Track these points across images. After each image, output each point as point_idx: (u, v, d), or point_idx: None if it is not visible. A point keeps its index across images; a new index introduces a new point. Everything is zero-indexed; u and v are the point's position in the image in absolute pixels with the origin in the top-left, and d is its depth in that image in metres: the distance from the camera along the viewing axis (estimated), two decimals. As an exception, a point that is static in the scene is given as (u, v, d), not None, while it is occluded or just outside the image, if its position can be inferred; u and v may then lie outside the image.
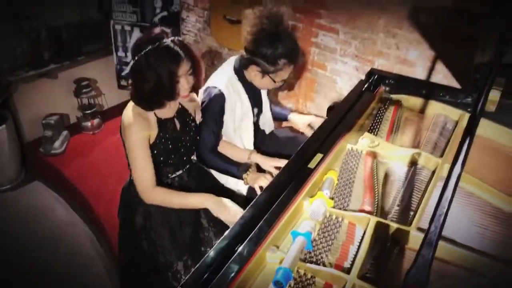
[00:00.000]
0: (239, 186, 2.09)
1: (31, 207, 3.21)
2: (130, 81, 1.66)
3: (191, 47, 1.67)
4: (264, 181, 1.86)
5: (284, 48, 1.86)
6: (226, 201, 1.68)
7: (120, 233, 1.97)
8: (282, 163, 1.95)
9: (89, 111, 3.83)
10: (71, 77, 3.74)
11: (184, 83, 1.64)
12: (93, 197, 3.19)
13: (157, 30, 1.61)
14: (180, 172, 1.87)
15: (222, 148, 2.08)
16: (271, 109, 2.38)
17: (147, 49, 1.55)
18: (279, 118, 2.42)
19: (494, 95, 1.87)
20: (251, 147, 2.18)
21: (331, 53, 2.85)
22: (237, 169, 1.94)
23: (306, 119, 2.32)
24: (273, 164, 1.98)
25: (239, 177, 1.92)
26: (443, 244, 1.23)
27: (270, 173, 1.98)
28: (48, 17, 3.42)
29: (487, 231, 1.35)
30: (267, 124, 2.40)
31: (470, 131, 0.94)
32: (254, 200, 1.35)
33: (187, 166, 1.90)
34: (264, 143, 2.37)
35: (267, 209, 1.30)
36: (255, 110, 2.19)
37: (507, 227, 1.37)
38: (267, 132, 2.41)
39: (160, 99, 1.65)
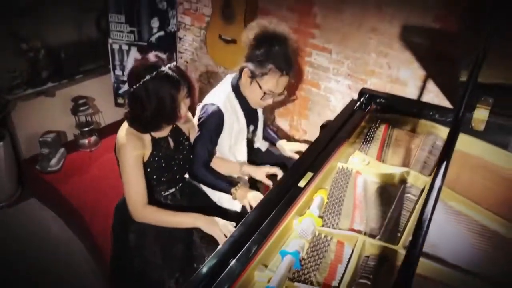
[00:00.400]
0: (232, 203, 2.11)
1: (27, 224, 3.21)
2: (126, 106, 1.68)
3: (185, 71, 1.70)
4: (252, 197, 1.86)
5: (274, 53, 1.88)
6: (217, 219, 1.69)
7: (113, 250, 1.98)
8: (273, 170, 1.96)
9: (86, 129, 3.85)
10: (69, 95, 3.77)
11: (183, 107, 1.68)
12: (89, 214, 3.19)
13: (152, 57, 1.64)
14: (173, 190, 1.89)
15: (214, 163, 2.10)
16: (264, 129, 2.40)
17: (145, 78, 1.58)
18: (269, 140, 2.43)
19: (483, 114, 1.91)
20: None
21: (324, 72, 2.89)
22: (227, 185, 1.94)
23: (293, 147, 2.34)
24: (265, 172, 1.98)
25: (228, 192, 1.93)
26: (431, 263, 1.25)
27: (262, 183, 1.99)
28: (46, 37, 3.47)
29: (474, 249, 1.36)
30: (262, 142, 2.42)
31: (448, 148, 0.97)
32: (243, 219, 1.37)
33: (180, 184, 1.92)
34: (260, 160, 2.39)
35: (256, 228, 1.32)
36: (251, 127, 2.21)
37: (494, 245, 1.39)
38: (263, 149, 2.44)
39: (160, 123, 1.68)
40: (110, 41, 3.49)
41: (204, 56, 3.76)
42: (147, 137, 1.72)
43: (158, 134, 1.76)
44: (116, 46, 3.51)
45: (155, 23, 3.35)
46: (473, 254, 1.35)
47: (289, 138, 3.35)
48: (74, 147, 3.92)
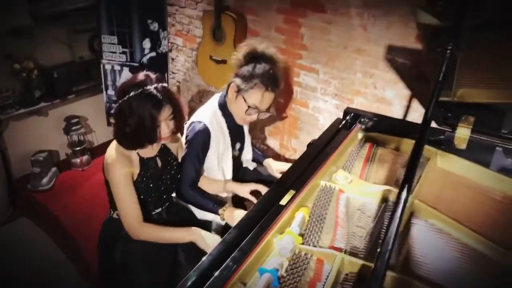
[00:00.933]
0: (217, 219, 2.12)
1: (18, 243, 3.20)
2: (113, 122, 1.72)
3: (174, 93, 1.74)
4: (240, 217, 1.87)
5: (260, 69, 1.94)
6: (212, 235, 1.72)
7: (99, 267, 1.98)
8: (257, 187, 1.99)
9: (78, 148, 3.87)
10: (61, 115, 3.81)
11: (164, 128, 1.70)
12: (80, 233, 3.18)
13: (141, 76, 1.68)
14: (159, 209, 1.90)
15: (200, 180, 2.12)
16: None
17: (130, 94, 1.62)
18: (256, 159, 2.46)
19: (464, 133, 1.94)
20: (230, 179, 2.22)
21: (312, 92, 2.94)
22: (214, 205, 1.96)
23: (279, 167, 2.36)
24: (248, 189, 2.01)
25: (216, 212, 1.95)
26: (412, 280, 1.26)
27: (250, 201, 2.02)
28: (39, 57, 3.52)
29: (455, 267, 1.37)
30: (250, 161, 2.45)
31: (413, 163, 0.99)
32: (223, 238, 1.38)
33: (167, 204, 1.94)
34: (247, 179, 2.41)
35: (236, 246, 1.33)
36: (237, 145, 2.24)
37: (476, 263, 1.39)
38: (250, 168, 2.46)
39: (141, 141, 1.71)
40: (102, 61, 3.54)
41: (196, 76, 3.81)
42: (135, 157, 1.75)
43: (146, 154, 1.79)
44: (108, 67, 3.56)
45: (146, 44, 3.41)
46: (453, 271, 1.36)
47: (279, 157, 3.38)
48: (67, 166, 3.94)
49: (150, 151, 1.80)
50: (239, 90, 1.98)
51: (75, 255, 3.06)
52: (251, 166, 2.45)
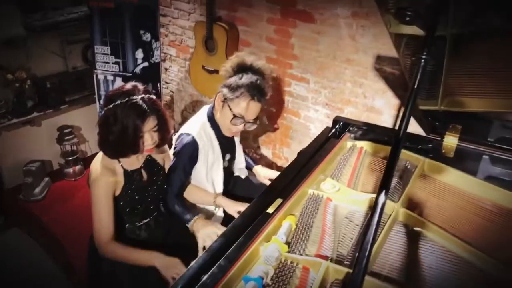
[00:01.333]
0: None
1: (10, 254, 3.17)
2: (97, 129, 1.72)
3: (160, 106, 1.75)
4: (205, 235, 1.85)
5: (247, 79, 1.96)
6: (177, 261, 1.69)
7: (88, 279, 1.97)
8: (246, 207, 1.98)
9: (71, 158, 3.87)
10: (54, 125, 3.81)
11: (148, 139, 1.70)
12: (72, 243, 3.17)
13: (129, 85, 1.70)
14: (147, 220, 1.90)
15: (189, 192, 2.12)
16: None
17: (116, 103, 1.63)
18: (246, 166, 2.47)
19: (452, 141, 1.96)
20: (221, 191, 2.22)
21: (303, 101, 2.96)
22: (189, 216, 1.94)
23: (267, 174, 2.38)
24: (237, 209, 2.00)
25: (187, 224, 1.93)
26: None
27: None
28: (32, 68, 3.54)
29: (438, 273, 1.38)
30: (242, 170, 2.45)
31: (389, 169, 1.01)
32: (209, 246, 1.38)
33: (155, 214, 1.93)
34: (238, 188, 2.42)
35: (221, 254, 1.34)
36: (227, 156, 2.25)
37: (459, 270, 1.40)
38: (242, 177, 2.47)
39: (124, 150, 1.71)
40: (95, 71, 3.56)
41: (189, 86, 3.84)
42: (119, 170, 1.75)
43: (131, 166, 1.79)
44: (101, 77, 3.57)
45: (139, 54, 3.43)
46: (439, 279, 1.37)
47: (272, 166, 3.39)
48: (59, 176, 3.93)
49: (135, 163, 1.80)
50: (225, 100, 1.99)
51: (66, 265, 3.05)
52: (243, 174, 2.46)
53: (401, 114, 2.45)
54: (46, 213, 3.48)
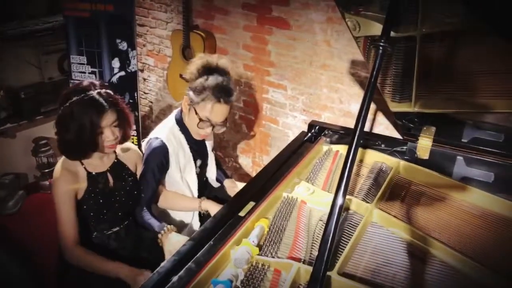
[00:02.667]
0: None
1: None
2: (54, 130, 1.68)
3: (119, 100, 1.71)
4: (171, 245, 1.78)
5: (211, 81, 1.93)
6: (146, 274, 1.62)
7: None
8: None
9: (47, 170, 3.79)
10: (29, 136, 3.73)
11: (109, 135, 1.66)
12: (47, 256, 3.07)
13: (85, 82, 1.66)
14: (117, 228, 1.84)
15: (171, 200, 2.07)
16: None
17: (72, 100, 1.59)
18: (217, 179, 2.41)
19: (426, 143, 1.97)
20: (197, 195, 2.18)
21: (281, 108, 2.96)
22: (158, 226, 1.86)
23: (237, 189, 2.32)
24: None
25: (156, 234, 1.85)
26: None
27: None
28: (7, 79, 3.47)
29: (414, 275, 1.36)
30: (214, 181, 2.40)
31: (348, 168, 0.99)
32: (177, 250, 1.34)
33: (125, 223, 1.87)
34: (214, 195, 2.37)
35: (190, 258, 1.30)
36: (198, 161, 2.20)
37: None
38: (215, 186, 2.42)
39: (83, 149, 1.66)
40: (72, 81, 3.50)
41: (167, 96, 3.81)
42: (82, 172, 1.70)
43: (95, 169, 1.74)
44: (77, 87, 3.52)
45: (116, 63, 3.39)
46: (414, 278, 1.35)
47: (252, 174, 3.36)
48: (35, 188, 3.84)
49: (99, 166, 1.75)
50: (191, 103, 1.97)
51: (42, 279, 2.95)
52: (215, 184, 2.41)
53: (377, 118, 2.47)
54: (21, 227, 3.38)
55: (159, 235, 1.82)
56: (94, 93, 1.62)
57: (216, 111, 1.95)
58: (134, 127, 1.81)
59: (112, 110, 1.64)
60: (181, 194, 2.12)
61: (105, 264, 1.65)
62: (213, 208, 2.02)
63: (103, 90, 1.66)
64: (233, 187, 2.33)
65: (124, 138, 1.78)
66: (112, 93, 1.70)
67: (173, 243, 1.78)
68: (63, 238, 1.67)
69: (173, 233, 1.84)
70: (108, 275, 1.66)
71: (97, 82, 1.68)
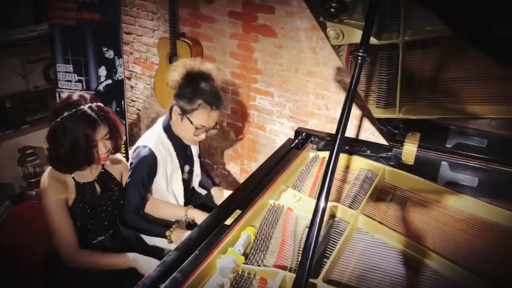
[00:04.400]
0: (170, 247, 2.05)
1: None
2: (46, 145, 1.67)
3: (110, 112, 1.71)
4: None
5: (201, 89, 1.93)
6: (150, 259, 1.66)
7: None
8: None
9: (34, 180, 3.74)
10: (16, 146, 3.69)
11: (101, 147, 1.66)
12: (31, 266, 3.03)
13: (75, 96, 1.66)
14: (102, 237, 1.83)
15: (157, 207, 2.06)
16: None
17: (63, 115, 1.58)
18: (204, 187, 2.41)
19: (411, 149, 1.99)
20: (183, 204, 2.17)
21: (268, 115, 2.97)
22: (161, 228, 1.89)
23: (223, 198, 2.33)
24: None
25: (163, 236, 1.88)
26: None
27: None
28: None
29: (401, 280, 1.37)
30: (198, 177, 2.39)
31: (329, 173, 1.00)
32: (162, 260, 1.33)
33: (110, 231, 1.86)
34: (201, 202, 2.36)
35: (176, 267, 1.29)
36: (186, 167, 2.20)
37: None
38: (202, 193, 2.41)
39: (78, 162, 1.66)
40: (58, 90, 3.48)
41: (155, 103, 3.80)
42: (70, 182, 1.69)
43: (83, 179, 1.74)
44: (64, 95, 3.48)
45: (102, 71, 3.38)
46: (396, 283, 1.36)
47: (241, 182, 3.35)
48: (22, 198, 3.79)
49: (88, 176, 1.75)
50: (183, 113, 1.96)
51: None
52: (202, 191, 2.41)
53: (363, 124, 2.49)
54: (6, 238, 3.32)
55: (168, 234, 1.86)
56: (85, 107, 1.61)
57: (211, 117, 1.98)
58: (124, 137, 1.81)
59: (104, 124, 1.65)
60: (167, 202, 2.11)
61: (112, 258, 1.68)
62: (199, 216, 2.02)
63: (94, 104, 1.66)
64: (220, 196, 2.33)
65: (115, 150, 1.77)
66: (102, 105, 1.70)
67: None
68: (63, 245, 1.66)
69: (182, 229, 1.90)
70: (121, 267, 1.68)
71: (87, 96, 1.68)
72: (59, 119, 1.59)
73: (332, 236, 1.56)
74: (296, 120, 2.81)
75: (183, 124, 1.99)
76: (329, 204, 1.71)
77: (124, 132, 1.81)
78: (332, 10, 1.28)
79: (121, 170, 1.94)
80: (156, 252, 2.07)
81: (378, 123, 2.02)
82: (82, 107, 1.61)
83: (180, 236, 1.86)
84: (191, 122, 1.96)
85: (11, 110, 3.49)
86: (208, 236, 1.44)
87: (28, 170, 3.73)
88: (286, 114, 2.85)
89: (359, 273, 1.38)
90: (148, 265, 1.63)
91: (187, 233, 1.85)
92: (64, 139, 1.58)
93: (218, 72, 2.07)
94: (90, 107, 1.63)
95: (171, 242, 1.88)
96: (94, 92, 3.38)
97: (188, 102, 1.93)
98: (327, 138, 2.21)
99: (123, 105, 3.43)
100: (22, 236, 3.34)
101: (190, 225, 2.11)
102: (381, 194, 1.84)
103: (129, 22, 3.67)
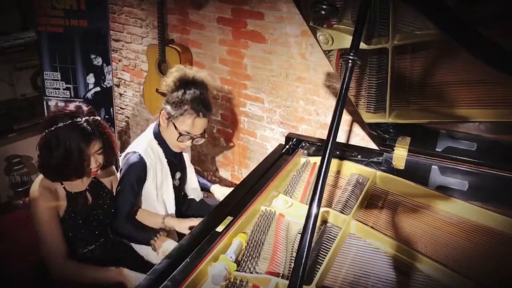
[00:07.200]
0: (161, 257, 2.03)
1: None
2: (37, 152, 1.64)
3: (106, 128, 1.69)
4: (167, 249, 1.79)
5: (190, 95, 1.92)
6: (142, 275, 1.62)
7: None
8: (196, 222, 1.91)
9: (21, 189, 3.69)
10: (2, 154, 3.64)
11: (92, 162, 1.64)
12: (19, 277, 2.98)
13: (72, 106, 1.63)
14: (92, 246, 1.80)
15: (137, 216, 2.03)
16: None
17: (58, 125, 1.56)
18: (203, 188, 2.40)
19: (401, 153, 1.99)
20: (174, 212, 2.15)
21: (259, 121, 2.96)
22: (148, 235, 1.86)
23: (226, 192, 2.32)
24: (187, 225, 1.92)
25: (148, 243, 1.85)
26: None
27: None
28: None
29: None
30: (196, 192, 2.38)
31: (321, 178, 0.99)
32: (152, 268, 1.31)
33: (101, 240, 1.84)
34: (193, 210, 2.34)
35: (167, 276, 1.27)
36: (177, 174, 2.18)
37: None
38: (197, 199, 2.40)
39: (68, 174, 1.64)
40: (46, 98, 3.44)
41: (144, 110, 3.77)
42: (61, 192, 1.67)
43: (74, 189, 1.71)
44: (52, 103, 3.45)
45: (91, 79, 3.35)
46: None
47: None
48: (9, 208, 3.73)
49: (79, 185, 1.72)
50: (169, 117, 1.95)
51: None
52: (198, 197, 2.39)
53: (353, 129, 2.50)
54: (-7, 248, 3.27)
55: (152, 241, 1.83)
56: (82, 120, 1.59)
57: (196, 125, 1.96)
58: (118, 153, 1.79)
59: (99, 139, 1.63)
60: (145, 210, 2.08)
61: (103, 272, 1.64)
62: (176, 224, 1.99)
63: (91, 117, 1.63)
64: (221, 192, 2.32)
65: (107, 164, 1.75)
66: (99, 118, 1.68)
67: (163, 248, 1.81)
68: (52, 256, 1.62)
69: (164, 238, 1.87)
70: (107, 282, 1.64)
71: (85, 108, 1.65)
72: (53, 128, 1.56)
73: (325, 242, 1.55)
74: (286, 126, 2.81)
75: (169, 129, 1.98)
76: (321, 209, 1.70)
77: (119, 147, 1.78)
78: (323, 12, 1.27)
79: (111, 179, 1.91)
80: (145, 262, 2.04)
81: (369, 128, 2.02)
82: (78, 119, 1.59)
83: (160, 244, 1.82)
84: (176, 127, 1.94)
85: (-3, 119, 3.44)
86: (199, 244, 1.43)
87: (15, 179, 3.68)
88: (277, 120, 2.85)
89: (352, 278, 1.38)
90: (136, 280, 1.60)
91: (168, 241, 1.82)
92: (56, 150, 1.56)
93: (195, 70, 2.05)
94: (86, 121, 1.60)
95: (154, 250, 1.85)
96: (83, 100, 3.35)
97: (175, 107, 1.92)
98: (318, 144, 2.21)
99: (112, 113, 3.40)
100: (9, 246, 3.28)
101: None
102: (373, 199, 1.83)
103: (117, 29, 3.64)
